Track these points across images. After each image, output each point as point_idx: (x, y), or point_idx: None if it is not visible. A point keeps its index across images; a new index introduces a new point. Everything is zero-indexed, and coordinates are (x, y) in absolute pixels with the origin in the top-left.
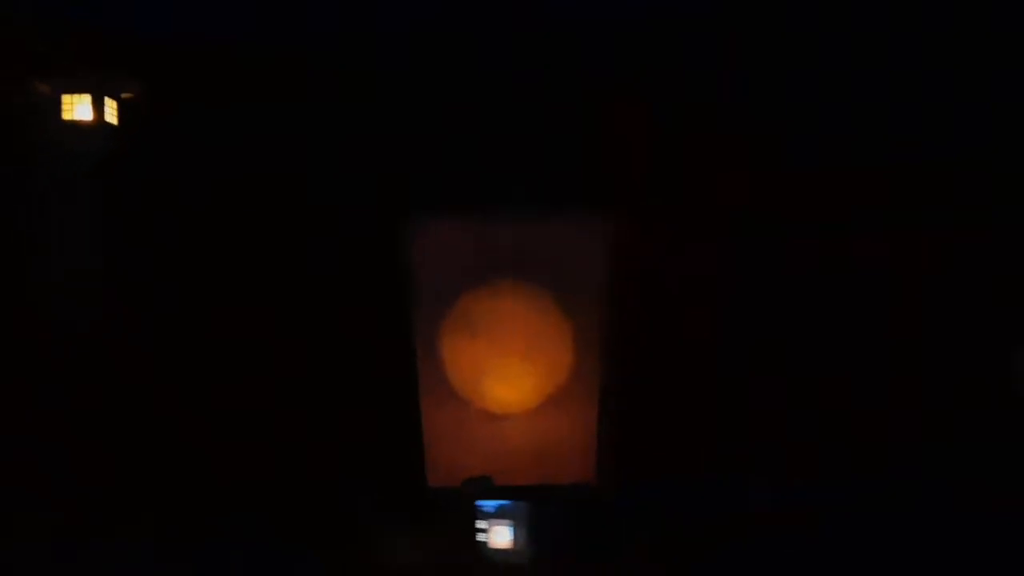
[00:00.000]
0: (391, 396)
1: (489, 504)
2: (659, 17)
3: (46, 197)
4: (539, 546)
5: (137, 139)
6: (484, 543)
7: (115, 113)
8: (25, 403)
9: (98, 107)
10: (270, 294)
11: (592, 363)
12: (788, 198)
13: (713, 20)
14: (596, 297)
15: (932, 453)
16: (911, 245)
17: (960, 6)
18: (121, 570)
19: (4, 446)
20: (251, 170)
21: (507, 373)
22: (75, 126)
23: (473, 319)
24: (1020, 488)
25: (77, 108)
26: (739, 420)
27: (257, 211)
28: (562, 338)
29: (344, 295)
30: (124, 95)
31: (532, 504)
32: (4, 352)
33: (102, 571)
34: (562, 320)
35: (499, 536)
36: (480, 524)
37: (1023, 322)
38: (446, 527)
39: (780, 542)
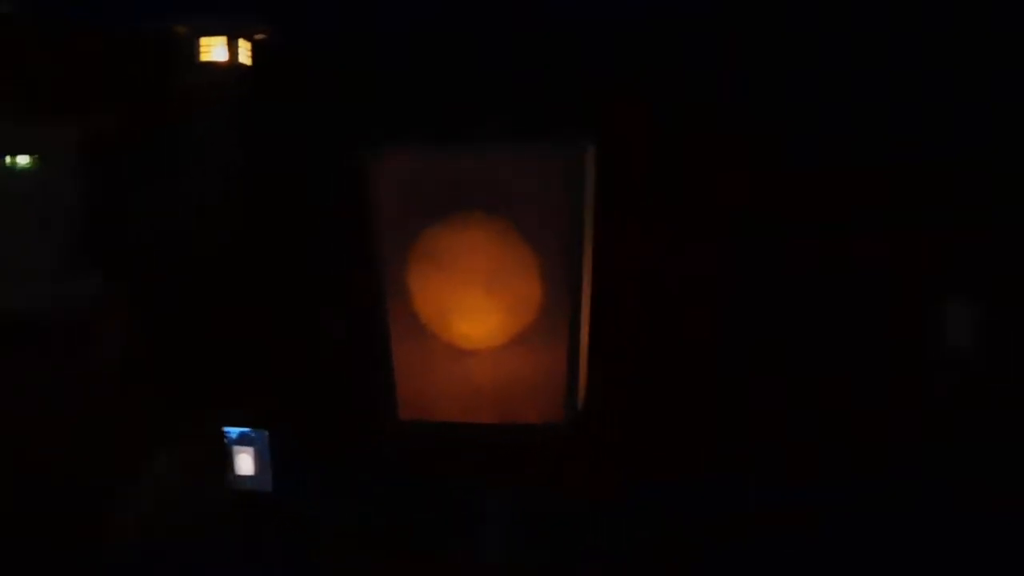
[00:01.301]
0: (359, 330)
1: (232, 431)
2: (659, 17)
3: (187, 136)
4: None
5: (270, 79)
6: (230, 470)
7: (249, 54)
8: None
9: (233, 48)
10: (241, 232)
11: (563, 301)
12: (788, 198)
13: (713, 20)
14: (570, 233)
15: (932, 453)
16: (911, 245)
17: (960, 6)
18: None
19: None
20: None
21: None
22: (211, 67)
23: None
24: (1020, 488)
25: (214, 50)
26: (739, 420)
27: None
28: (534, 275)
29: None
30: (257, 36)
31: None
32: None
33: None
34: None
35: (242, 463)
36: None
37: (1023, 322)
38: (196, 456)
39: (780, 542)
